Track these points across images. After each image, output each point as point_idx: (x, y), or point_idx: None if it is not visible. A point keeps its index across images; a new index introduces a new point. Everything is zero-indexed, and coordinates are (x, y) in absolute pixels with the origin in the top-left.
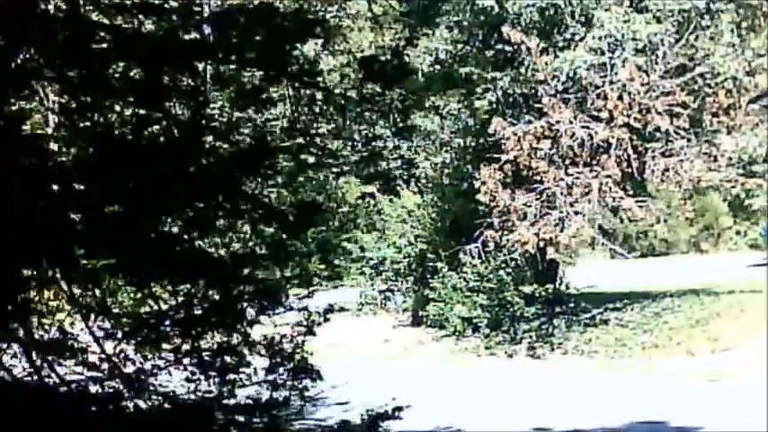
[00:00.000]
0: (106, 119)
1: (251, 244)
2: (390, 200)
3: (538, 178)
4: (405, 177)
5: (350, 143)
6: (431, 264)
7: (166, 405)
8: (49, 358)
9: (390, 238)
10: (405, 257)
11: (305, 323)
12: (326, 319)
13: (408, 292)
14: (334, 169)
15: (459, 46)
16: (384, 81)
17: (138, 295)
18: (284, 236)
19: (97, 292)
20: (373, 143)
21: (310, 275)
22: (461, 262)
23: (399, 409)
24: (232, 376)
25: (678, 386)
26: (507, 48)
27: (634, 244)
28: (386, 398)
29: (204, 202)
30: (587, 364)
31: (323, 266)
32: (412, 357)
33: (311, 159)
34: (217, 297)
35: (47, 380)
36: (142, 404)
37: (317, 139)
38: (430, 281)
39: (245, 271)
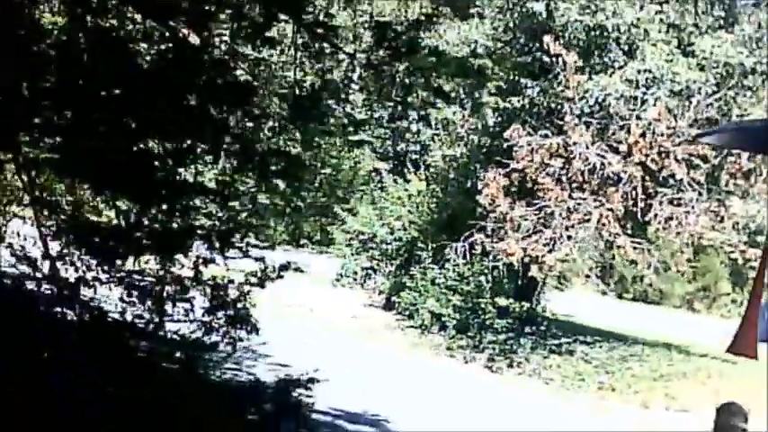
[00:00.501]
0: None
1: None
2: (395, 180)
3: (541, 194)
4: (417, 162)
5: (374, 118)
6: (417, 252)
7: (90, 317)
8: None
9: (386, 217)
10: (395, 240)
11: (259, 275)
12: (280, 276)
13: (389, 276)
14: (353, 137)
15: (500, 45)
16: (393, 51)
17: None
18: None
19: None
20: (398, 122)
21: (299, 235)
22: (446, 258)
23: (312, 381)
24: (168, 309)
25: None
26: (545, 58)
27: (628, 287)
28: (325, 370)
29: (187, 132)
30: (541, 388)
31: (317, 231)
32: (371, 339)
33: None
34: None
35: None
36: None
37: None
38: (411, 269)
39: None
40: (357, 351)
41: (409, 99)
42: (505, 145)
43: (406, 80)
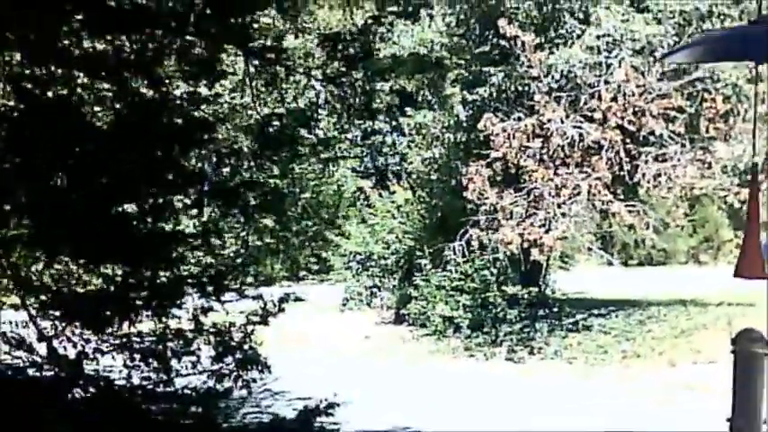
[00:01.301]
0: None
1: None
2: (380, 194)
3: (526, 177)
4: (398, 172)
5: (347, 137)
6: (417, 261)
7: (99, 393)
8: None
9: (378, 233)
10: (392, 254)
11: (260, 313)
12: (281, 310)
13: (394, 290)
14: (335, 163)
15: (455, 39)
16: (347, 60)
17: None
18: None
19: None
20: (372, 137)
21: (297, 268)
22: (446, 260)
23: (333, 405)
24: (175, 365)
25: (654, 396)
26: (502, 42)
27: (632, 252)
28: (348, 394)
29: (155, 184)
30: (565, 369)
31: (314, 260)
32: (388, 355)
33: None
34: (164, 279)
35: None
36: (80, 392)
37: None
38: (414, 278)
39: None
40: (376, 369)
41: (374, 106)
42: (482, 136)
43: (366, 87)
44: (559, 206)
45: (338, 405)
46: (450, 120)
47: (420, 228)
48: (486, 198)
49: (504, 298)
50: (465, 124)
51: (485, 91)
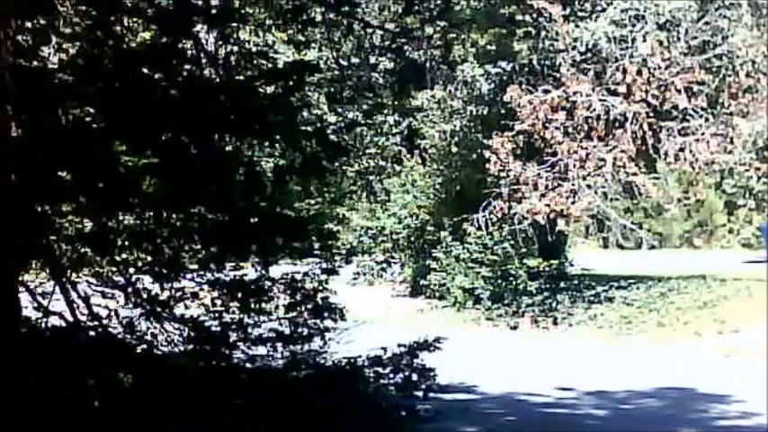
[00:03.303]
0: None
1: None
2: (393, 169)
3: (550, 150)
4: (408, 148)
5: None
6: (429, 236)
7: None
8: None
9: (391, 208)
10: (404, 228)
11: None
12: (349, 261)
13: (408, 263)
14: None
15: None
16: (424, 14)
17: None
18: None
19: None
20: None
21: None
22: (466, 232)
23: (438, 340)
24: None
25: (691, 359)
26: (527, 17)
27: (628, 235)
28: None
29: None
30: (594, 337)
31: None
32: (416, 323)
33: None
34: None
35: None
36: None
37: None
38: (432, 251)
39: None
40: (406, 334)
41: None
42: (503, 110)
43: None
44: (584, 178)
45: (440, 340)
46: (473, 92)
47: (435, 201)
48: (510, 170)
49: (525, 270)
50: (486, 98)
51: (507, 64)
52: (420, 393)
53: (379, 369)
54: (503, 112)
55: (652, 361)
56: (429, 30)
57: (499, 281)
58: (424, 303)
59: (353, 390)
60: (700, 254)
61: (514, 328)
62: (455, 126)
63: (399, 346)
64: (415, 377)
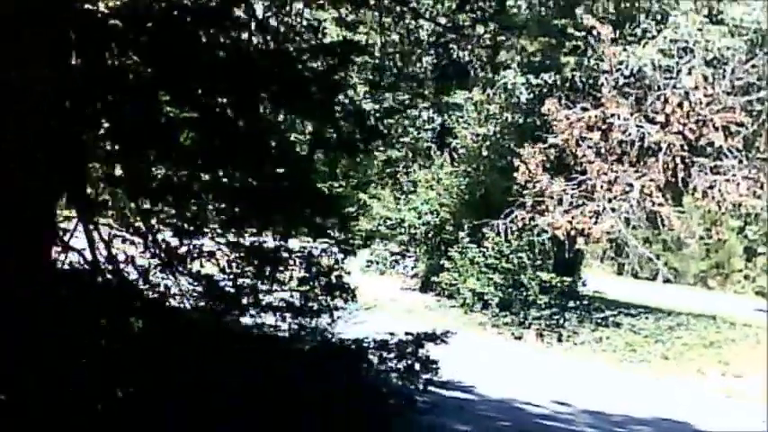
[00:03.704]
0: None
1: None
2: (421, 164)
3: (580, 168)
4: (438, 144)
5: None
6: (447, 235)
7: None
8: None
9: (413, 202)
10: (423, 224)
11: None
12: (366, 245)
13: (422, 258)
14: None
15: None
16: (477, 12)
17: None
18: None
19: None
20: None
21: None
22: (484, 236)
23: (446, 333)
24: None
25: (691, 395)
26: (577, 33)
27: (644, 265)
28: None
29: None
30: (597, 360)
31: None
32: (420, 318)
33: None
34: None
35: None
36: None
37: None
38: (448, 250)
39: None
40: (411, 326)
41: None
42: (538, 121)
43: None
44: (609, 201)
45: (448, 333)
46: (510, 99)
47: (458, 202)
48: (537, 182)
49: (537, 282)
50: (524, 107)
51: (549, 76)
52: (420, 384)
53: (384, 353)
54: (538, 123)
55: (652, 391)
56: (480, 29)
57: (510, 289)
58: (433, 300)
59: (356, 369)
60: (713, 294)
61: (519, 338)
62: (489, 130)
63: (407, 333)
64: (417, 367)
